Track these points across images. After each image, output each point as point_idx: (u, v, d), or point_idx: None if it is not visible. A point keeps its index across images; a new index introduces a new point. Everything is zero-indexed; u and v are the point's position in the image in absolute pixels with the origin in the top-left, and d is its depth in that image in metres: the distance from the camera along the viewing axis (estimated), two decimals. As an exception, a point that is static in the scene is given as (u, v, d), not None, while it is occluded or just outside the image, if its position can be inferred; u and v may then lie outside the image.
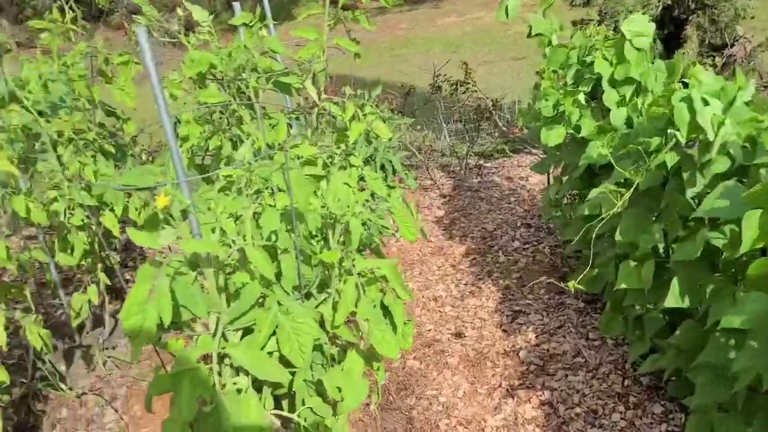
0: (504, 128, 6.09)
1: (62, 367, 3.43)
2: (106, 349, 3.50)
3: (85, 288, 3.27)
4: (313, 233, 1.73)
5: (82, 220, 3.08)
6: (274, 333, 1.52)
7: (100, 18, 16.41)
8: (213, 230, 1.54)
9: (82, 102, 3.37)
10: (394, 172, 3.47)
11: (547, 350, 3.01)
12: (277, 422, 1.69)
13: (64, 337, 3.62)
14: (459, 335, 3.23)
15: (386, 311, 1.86)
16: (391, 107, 5.20)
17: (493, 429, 2.58)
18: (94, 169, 3.13)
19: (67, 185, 3.03)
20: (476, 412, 2.68)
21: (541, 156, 5.14)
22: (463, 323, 3.33)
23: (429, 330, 3.31)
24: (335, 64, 2.67)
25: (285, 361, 1.54)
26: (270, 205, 1.63)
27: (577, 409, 2.62)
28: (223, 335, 1.50)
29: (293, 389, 1.64)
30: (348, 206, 1.73)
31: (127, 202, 3.23)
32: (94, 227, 3.18)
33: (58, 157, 3.13)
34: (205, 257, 1.50)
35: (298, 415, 1.62)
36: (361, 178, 2.51)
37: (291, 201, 1.53)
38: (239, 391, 1.44)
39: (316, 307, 1.75)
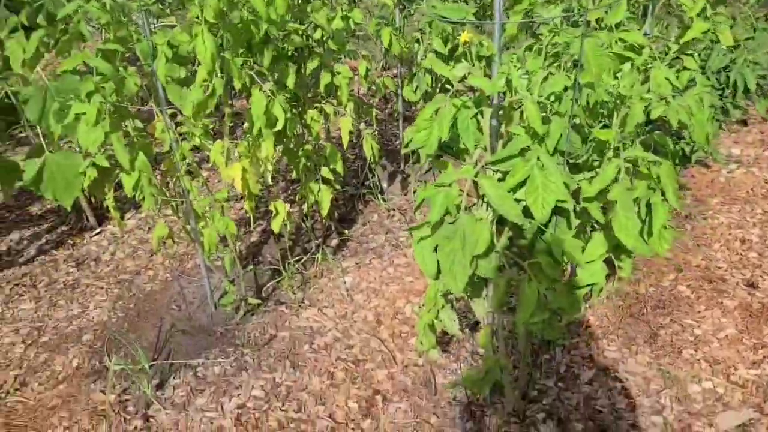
0: None
1: (384, 185, 4.12)
2: (420, 182, 4.06)
3: (418, 124, 3.79)
4: (597, 109, 1.78)
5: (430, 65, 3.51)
6: (524, 184, 1.68)
7: None
8: (505, 80, 1.72)
9: (460, -42, 3.68)
10: (747, 91, 3.09)
11: None
12: (508, 268, 1.90)
13: (393, 163, 4.30)
14: (751, 284, 2.93)
15: (649, 212, 1.86)
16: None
17: (740, 379, 2.40)
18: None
19: (429, 30, 3.45)
20: (729, 357, 2.51)
21: None
22: (762, 274, 2.99)
23: (719, 267, 3.06)
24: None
25: (526, 212, 1.70)
26: (562, 72, 1.72)
27: None
28: (483, 170, 1.72)
29: (527, 237, 1.81)
30: (649, 91, 1.72)
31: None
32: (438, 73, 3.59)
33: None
34: (488, 100, 1.71)
35: (527, 264, 1.80)
36: (692, 80, 2.37)
37: (579, 68, 1.60)
38: (480, 219, 1.68)
39: (578, 180, 1.84)
